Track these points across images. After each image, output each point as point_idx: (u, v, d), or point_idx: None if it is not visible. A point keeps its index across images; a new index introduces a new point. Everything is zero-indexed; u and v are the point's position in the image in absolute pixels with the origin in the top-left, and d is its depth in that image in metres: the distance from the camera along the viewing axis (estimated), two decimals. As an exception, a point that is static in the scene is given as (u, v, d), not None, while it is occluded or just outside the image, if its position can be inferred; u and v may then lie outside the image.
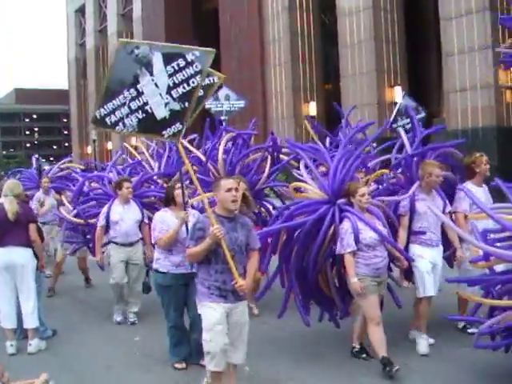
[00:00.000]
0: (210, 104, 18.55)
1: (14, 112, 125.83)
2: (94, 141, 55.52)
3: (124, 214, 9.19)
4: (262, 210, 9.93)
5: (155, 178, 10.97)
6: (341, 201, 6.99)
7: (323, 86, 42.31)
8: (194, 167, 10.47)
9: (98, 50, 69.36)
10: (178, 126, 6.22)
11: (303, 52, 41.19)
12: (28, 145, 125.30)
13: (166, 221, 7.12)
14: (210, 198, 7.16)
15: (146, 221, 9.35)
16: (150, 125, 6.23)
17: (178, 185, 7.04)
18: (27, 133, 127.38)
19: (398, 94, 35.27)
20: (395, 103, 34.97)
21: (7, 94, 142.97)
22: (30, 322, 8.03)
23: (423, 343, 7.14)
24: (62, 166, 15.22)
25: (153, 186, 10.68)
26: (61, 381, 5.86)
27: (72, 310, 10.49)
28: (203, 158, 10.26)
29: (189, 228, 6.28)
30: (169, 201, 7.35)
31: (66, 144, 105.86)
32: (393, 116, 12.83)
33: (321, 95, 41.73)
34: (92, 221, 10.11)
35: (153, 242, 7.42)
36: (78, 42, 75.68)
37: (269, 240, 7.41)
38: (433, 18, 35.11)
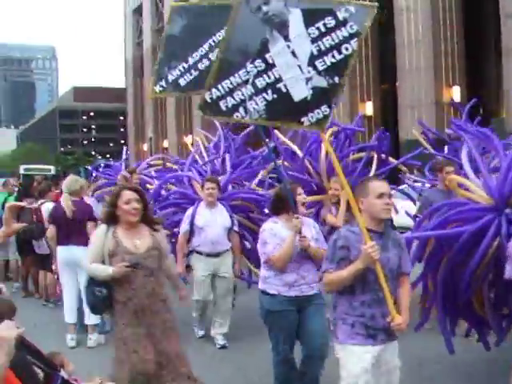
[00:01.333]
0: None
1: (72, 110, 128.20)
2: (151, 138, 56.13)
3: (211, 219, 7.90)
4: None
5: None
6: (510, 210, 5.50)
7: (379, 85, 41.93)
8: (285, 162, 9.72)
9: (155, 49, 69.99)
10: (325, 109, 4.59)
11: (359, 50, 40.74)
12: (85, 142, 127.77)
13: (278, 234, 5.56)
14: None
15: (236, 228, 8.21)
16: (283, 109, 4.65)
17: (300, 189, 5.81)
18: (84, 130, 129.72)
19: (455, 94, 34.72)
20: (453, 103, 34.50)
21: (66, 92, 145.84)
22: (92, 317, 8.15)
23: None
24: (151, 163, 13.68)
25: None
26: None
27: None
28: (299, 153, 9.16)
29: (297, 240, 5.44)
30: (279, 208, 5.74)
31: (123, 141, 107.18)
32: None
33: (377, 94, 41.37)
34: (176, 229, 8.65)
35: (263, 260, 5.69)
36: (135, 42, 76.57)
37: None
38: (492, 14, 34.41)
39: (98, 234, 5.44)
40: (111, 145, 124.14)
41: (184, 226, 8.03)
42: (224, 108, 4.66)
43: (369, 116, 40.21)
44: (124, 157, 13.94)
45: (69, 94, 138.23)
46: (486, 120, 34.31)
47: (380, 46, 41.45)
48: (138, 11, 74.45)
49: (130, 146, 78.07)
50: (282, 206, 5.67)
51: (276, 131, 9.90)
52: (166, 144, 65.97)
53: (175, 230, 8.70)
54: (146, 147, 68.22)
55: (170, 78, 5.89)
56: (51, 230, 8.29)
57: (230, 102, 4.62)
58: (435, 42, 34.69)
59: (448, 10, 35.16)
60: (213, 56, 5.38)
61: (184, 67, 5.85)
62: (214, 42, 5.89)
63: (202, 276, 7.95)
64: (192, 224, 7.95)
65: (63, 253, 8.14)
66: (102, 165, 14.70)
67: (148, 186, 10.74)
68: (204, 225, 7.88)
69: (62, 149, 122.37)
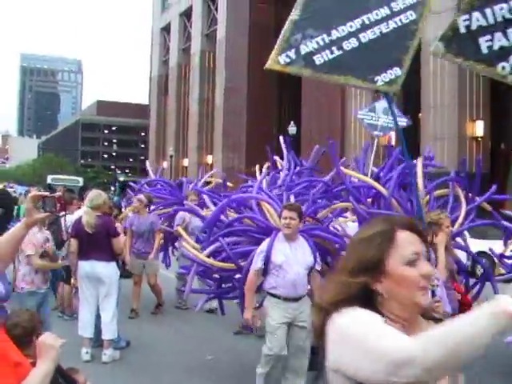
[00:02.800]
0: (362, 114, 15.77)
1: (94, 123, 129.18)
2: (171, 156, 56.31)
3: (291, 256, 6.55)
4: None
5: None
6: None
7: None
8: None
9: (181, 68, 70.59)
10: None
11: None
12: (105, 156, 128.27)
13: None
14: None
15: (319, 267, 6.80)
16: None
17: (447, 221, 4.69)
18: (105, 144, 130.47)
19: (479, 129, 34.65)
20: (476, 138, 34.45)
21: (90, 106, 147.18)
22: (109, 333, 8.16)
23: None
24: (207, 180, 13.18)
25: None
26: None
27: (145, 321, 10.65)
28: (383, 190, 6.93)
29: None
30: None
31: (142, 157, 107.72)
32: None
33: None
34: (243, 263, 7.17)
35: None
36: (162, 59, 77.23)
37: None
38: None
39: None
40: (131, 160, 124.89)
41: (257, 263, 6.57)
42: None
43: (384, 146, 40.08)
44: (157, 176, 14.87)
45: (92, 108, 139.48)
46: (508, 155, 34.31)
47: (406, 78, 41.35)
48: (166, 29, 75.15)
49: (150, 163, 78.34)
50: None
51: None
52: (185, 163, 66.21)
53: (242, 263, 7.18)
54: (165, 165, 68.51)
55: (303, 49, 4.62)
56: (73, 244, 8.33)
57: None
58: (460, 76, 34.68)
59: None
60: (364, 38, 4.41)
61: (324, 41, 4.53)
62: (368, 20, 4.67)
63: (278, 324, 6.50)
64: (267, 261, 6.52)
65: (84, 267, 8.18)
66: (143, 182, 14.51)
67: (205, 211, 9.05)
68: (283, 262, 6.48)
69: (82, 161, 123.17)
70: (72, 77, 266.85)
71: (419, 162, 7.10)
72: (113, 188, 62.71)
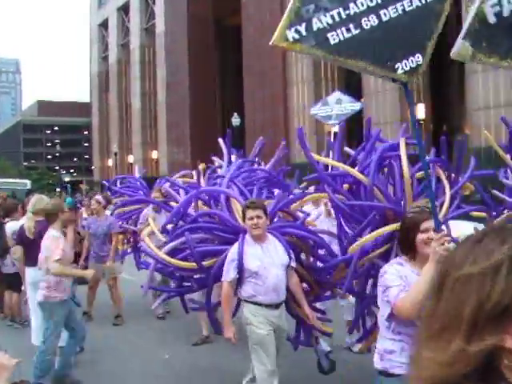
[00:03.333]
0: (316, 110, 15.83)
1: (36, 124, 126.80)
2: (116, 154, 55.74)
3: (266, 259, 5.82)
4: None
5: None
6: None
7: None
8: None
9: (121, 64, 69.87)
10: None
11: (325, 69, 41.12)
12: (49, 156, 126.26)
13: (407, 277, 3.97)
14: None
15: (294, 264, 6.17)
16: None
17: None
18: (48, 144, 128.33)
19: (420, 112, 35.13)
20: (418, 121, 34.88)
21: (30, 106, 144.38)
22: (35, 338, 7.96)
23: None
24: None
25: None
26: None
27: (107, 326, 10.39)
28: (362, 178, 5.78)
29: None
30: (406, 248, 4.16)
31: (87, 156, 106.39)
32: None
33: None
34: (209, 262, 6.49)
35: (386, 316, 4.00)
36: (101, 56, 76.32)
37: None
38: (456, 32, 34.91)
39: None
40: (75, 160, 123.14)
41: (230, 273, 5.80)
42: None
43: (334, 132, 40.42)
44: (138, 174, 13.84)
45: (33, 108, 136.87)
46: (450, 136, 34.94)
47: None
48: (104, 25, 74.26)
49: (95, 162, 77.66)
50: (408, 245, 4.12)
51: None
52: (131, 159, 65.66)
53: (205, 263, 6.50)
54: (110, 162, 67.81)
55: (316, 24, 3.66)
56: (18, 251, 8.14)
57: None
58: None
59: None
60: (385, 16, 3.73)
61: (340, 16, 3.68)
62: None
63: (266, 331, 5.81)
64: (241, 268, 5.78)
65: (31, 274, 7.98)
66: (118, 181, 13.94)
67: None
68: (259, 267, 5.76)
69: (26, 163, 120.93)
70: (10, 77, 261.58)
71: (402, 142, 5.95)
72: (58, 189, 61.86)
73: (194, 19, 53.03)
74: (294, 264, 6.05)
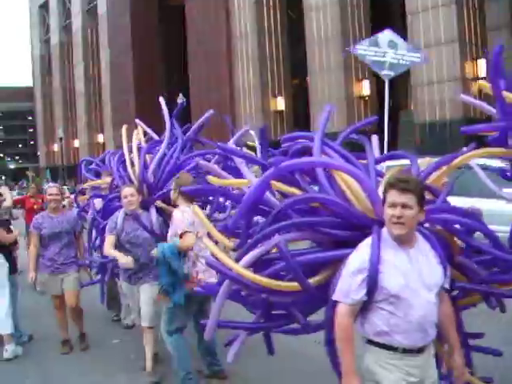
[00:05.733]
0: (363, 50, 13.02)
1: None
2: (61, 139, 54.84)
3: (414, 275, 3.67)
4: None
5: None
6: None
7: (291, 82, 42.24)
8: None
9: (63, 47, 68.59)
10: None
11: (270, 48, 41.03)
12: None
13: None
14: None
15: (447, 285, 4.10)
16: None
17: None
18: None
19: (365, 88, 35.35)
20: (364, 97, 35.18)
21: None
22: (3, 327, 7.81)
23: None
24: None
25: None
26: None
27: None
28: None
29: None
30: None
31: (32, 142, 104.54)
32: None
33: (288, 91, 41.65)
34: (318, 279, 4.17)
35: None
36: (43, 39, 74.79)
37: None
38: (399, 11, 35.23)
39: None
40: (20, 146, 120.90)
41: (355, 292, 3.58)
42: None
43: (280, 111, 40.51)
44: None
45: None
46: (395, 112, 35.29)
47: (291, 43, 41.75)
48: (45, 7, 72.73)
49: (40, 147, 76.34)
50: None
51: None
52: (76, 144, 64.79)
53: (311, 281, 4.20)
54: (56, 148, 66.71)
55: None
56: None
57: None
58: (344, 39, 35.16)
59: (356, 5, 35.74)
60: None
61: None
62: None
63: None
64: (372, 287, 3.61)
65: None
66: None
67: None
68: (402, 288, 3.60)
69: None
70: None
71: None
72: (4, 177, 60.67)
73: (136, 1, 52.30)
74: (447, 284, 3.86)
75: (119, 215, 6.74)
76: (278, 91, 41.13)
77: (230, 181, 5.16)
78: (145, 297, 6.67)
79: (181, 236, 5.93)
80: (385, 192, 3.61)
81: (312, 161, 4.30)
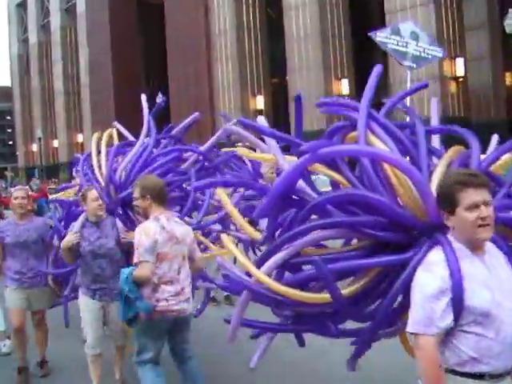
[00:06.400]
0: (384, 38, 12.51)
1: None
2: (40, 138, 54.49)
3: (493, 282, 3.03)
4: None
5: None
6: None
7: (270, 80, 42.26)
8: None
9: (42, 46, 68.11)
10: None
11: (250, 46, 41.02)
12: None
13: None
14: None
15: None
16: None
17: None
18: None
19: (344, 87, 35.42)
20: (343, 96, 35.16)
21: None
22: None
23: None
24: None
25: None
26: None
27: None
28: None
29: None
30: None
31: (11, 142, 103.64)
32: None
33: (268, 89, 41.66)
34: (351, 290, 3.54)
35: None
36: (21, 38, 74.22)
37: None
38: (378, 11, 35.38)
39: None
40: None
41: (440, 319, 2.95)
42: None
43: (259, 110, 40.49)
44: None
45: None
46: (376, 110, 35.42)
47: (270, 42, 41.76)
48: (23, 6, 72.18)
49: (19, 147, 75.74)
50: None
51: None
52: (55, 144, 64.36)
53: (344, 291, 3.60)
54: (35, 148, 66.24)
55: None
56: None
57: None
58: (323, 38, 35.26)
59: (335, 4, 35.81)
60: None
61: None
62: None
63: None
64: (459, 307, 3.12)
65: None
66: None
67: None
68: (492, 303, 3.12)
69: None
70: None
71: None
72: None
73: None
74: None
75: (78, 221, 6.01)
76: (257, 90, 41.12)
77: (263, 155, 4.41)
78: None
79: (136, 264, 5.03)
80: (454, 193, 2.96)
81: (358, 150, 3.67)
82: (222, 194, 4.27)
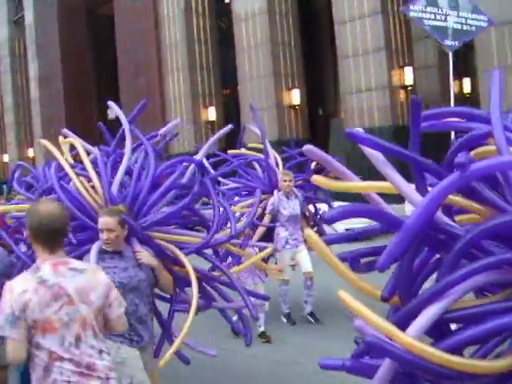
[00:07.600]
0: (419, 12, 10.55)
1: None
2: (-12, 152, 53.57)
3: None
4: None
5: None
6: None
7: (222, 91, 42.28)
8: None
9: (13, 42, 66.94)
10: None
11: (200, 57, 40.98)
12: None
13: None
14: None
15: None
16: None
17: None
18: None
19: (295, 97, 35.65)
20: (294, 106, 35.45)
21: None
22: None
23: None
24: None
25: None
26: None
27: None
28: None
29: None
30: None
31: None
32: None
33: (219, 100, 41.65)
34: None
35: None
36: (-32, 51, 72.88)
37: None
38: (327, 21, 35.76)
39: None
40: None
41: None
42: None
43: (211, 121, 40.45)
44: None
45: None
46: (327, 120, 35.75)
47: (221, 53, 41.81)
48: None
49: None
50: None
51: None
52: (6, 159, 63.31)
53: None
54: (-16, 161, 65.10)
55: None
56: None
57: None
58: (273, 47, 35.46)
59: (285, 15, 36.05)
60: None
61: None
62: None
63: None
64: None
65: None
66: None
67: None
68: None
69: None
70: None
71: None
72: None
73: (64, 9, 51.56)
74: None
75: (92, 253, 4.76)
76: (209, 101, 41.07)
77: (369, 183, 3.24)
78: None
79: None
80: None
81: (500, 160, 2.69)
82: (309, 231, 2.97)
